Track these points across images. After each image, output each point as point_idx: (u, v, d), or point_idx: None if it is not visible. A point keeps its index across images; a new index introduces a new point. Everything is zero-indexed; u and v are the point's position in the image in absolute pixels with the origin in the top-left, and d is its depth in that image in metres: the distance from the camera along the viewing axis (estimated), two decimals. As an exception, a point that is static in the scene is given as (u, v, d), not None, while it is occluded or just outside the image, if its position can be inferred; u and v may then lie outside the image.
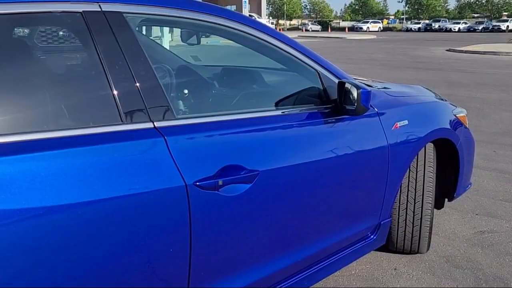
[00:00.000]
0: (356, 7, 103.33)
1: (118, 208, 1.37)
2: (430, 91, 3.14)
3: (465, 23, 61.66)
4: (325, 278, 2.30)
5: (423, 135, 2.50)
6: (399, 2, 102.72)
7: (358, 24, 64.85)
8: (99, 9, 1.49)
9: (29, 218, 1.20)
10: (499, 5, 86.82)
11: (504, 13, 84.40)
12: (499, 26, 54.44)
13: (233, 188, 1.64)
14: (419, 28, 61.09)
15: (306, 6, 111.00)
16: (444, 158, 2.82)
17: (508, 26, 54.19)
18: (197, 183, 1.53)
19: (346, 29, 58.68)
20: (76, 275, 1.30)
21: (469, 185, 3.11)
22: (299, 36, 38.72)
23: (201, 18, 1.77)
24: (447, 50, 21.74)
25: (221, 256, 1.69)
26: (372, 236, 2.41)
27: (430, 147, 2.62)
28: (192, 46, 2.72)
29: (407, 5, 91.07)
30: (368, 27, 60.80)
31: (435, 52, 21.08)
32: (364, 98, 1.97)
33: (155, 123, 1.51)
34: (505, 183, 3.98)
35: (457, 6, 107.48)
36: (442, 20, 65.40)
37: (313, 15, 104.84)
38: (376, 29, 61.26)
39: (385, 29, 64.54)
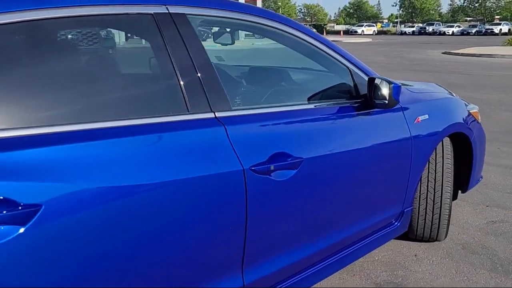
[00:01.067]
0: (351, 10, 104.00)
1: (187, 187, 1.52)
2: (443, 88, 3.31)
3: (459, 26, 62.29)
4: (353, 262, 2.46)
5: (441, 129, 2.67)
6: (393, 6, 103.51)
7: (353, 28, 65.40)
8: (167, 11, 1.65)
9: (121, 193, 1.35)
10: (492, 9, 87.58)
11: (497, 17, 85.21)
12: (492, 29, 55.04)
13: (282, 173, 1.80)
14: (413, 32, 61.66)
15: (301, 9, 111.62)
16: (458, 152, 2.99)
17: (501, 29, 54.80)
18: (252, 168, 1.69)
19: (341, 33, 59.07)
20: (156, 245, 1.46)
21: (480, 178, 3.29)
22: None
23: (250, 19, 1.94)
24: (443, 53, 22.03)
25: (270, 235, 1.85)
26: (396, 223, 2.58)
27: (447, 140, 2.79)
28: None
29: (401, 9, 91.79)
30: (362, 31, 61.33)
31: (431, 54, 21.37)
32: (395, 92, 2.14)
33: (215, 113, 1.68)
34: (511, 177, 4.16)
35: (450, 10, 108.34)
36: (436, 24, 66.04)
37: (308, 19, 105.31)
38: (371, 32, 61.80)
39: (380, 33, 65.06)
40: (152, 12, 1.62)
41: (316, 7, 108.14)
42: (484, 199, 3.67)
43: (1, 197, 1.15)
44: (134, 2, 1.60)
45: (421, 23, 78.20)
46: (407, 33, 61.60)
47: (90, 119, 1.41)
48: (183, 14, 1.69)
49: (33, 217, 1.19)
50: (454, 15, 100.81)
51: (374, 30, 64.52)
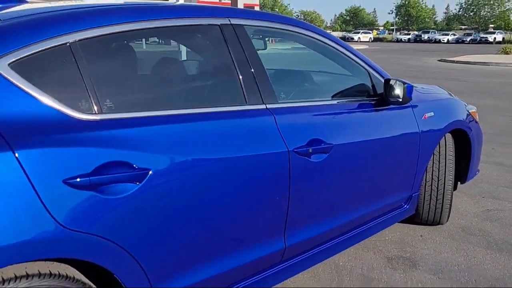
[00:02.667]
0: (347, 17, 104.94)
1: (246, 162, 1.91)
2: (445, 90, 3.72)
3: (454, 34, 63.12)
4: (367, 239, 2.85)
5: (444, 126, 3.07)
6: (389, 13, 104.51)
7: (349, 35, 66.07)
8: (229, 23, 2.05)
9: (201, 163, 1.74)
10: (486, 18, 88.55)
11: (491, 26, 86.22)
12: (487, 38, 55.92)
13: (317, 156, 2.18)
14: (409, 39, 62.44)
15: (298, 16, 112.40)
16: (459, 147, 3.38)
17: (495, 38, 55.65)
18: (295, 150, 2.08)
19: (338, 39, 59.47)
20: (224, 205, 1.84)
21: (477, 172, 3.69)
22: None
23: (291, 29, 2.34)
24: (439, 60, 22.56)
25: (306, 207, 2.23)
26: (405, 206, 2.97)
27: (449, 136, 3.19)
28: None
29: (397, 17, 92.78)
30: (359, 38, 62.03)
31: (428, 62, 21.89)
32: (409, 91, 2.54)
33: (266, 105, 2.06)
34: (504, 173, 4.58)
35: (445, 18, 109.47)
36: (431, 32, 66.89)
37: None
38: (367, 39, 62.50)
39: (376, 40, 65.80)
40: (219, 23, 2.01)
41: (313, 13, 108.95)
42: (480, 191, 4.07)
43: (125, 161, 1.53)
44: (205, 15, 2.00)
45: (416, 30, 79.13)
46: (403, 40, 62.41)
47: (181, 106, 1.81)
48: (241, 24, 2.09)
49: (145, 177, 1.57)
50: (449, 23, 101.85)
51: (370, 37, 65.30)
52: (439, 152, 3.12)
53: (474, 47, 42.55)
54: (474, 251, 2.98)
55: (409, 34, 66.38)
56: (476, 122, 3.50)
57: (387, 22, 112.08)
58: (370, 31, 74.17)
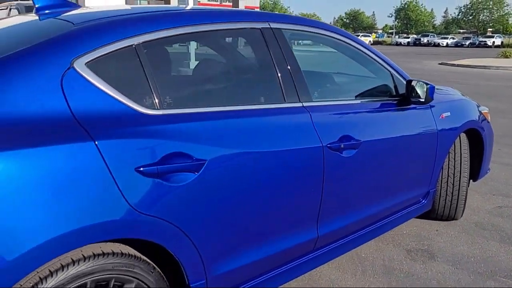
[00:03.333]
0: (347, 20, 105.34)
1: (286, 155, 2.06)
2: (458, 91, 3.88)
3: (453, 38, 63.53)
4: (386, 232, 3.00)
5: (459, 125, 3.22)
6: (389, 16, 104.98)
7: (349, 37, 66.14)
8: (269, 26, 2.20)
9: (249, 156, 1.89)
10: (485, 22, 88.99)
11: (489, 29, 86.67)
12: (486, 41, 56.28)
13: (348, 151, 2.33)
14: (408, 42, 62.72)
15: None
16: (471, 146, 3.53)
17: (494, 41, 56.02)
18: (328, 145, 2.23)
19: (338, 42, 59.73)
20: (268, 195, 1.99)
21: (488, 170, 3.84)
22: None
23: (323, 33, 2.50)
24: (439, 64, 22.77)
25: (336, 199, 2.38)
26: (423, 201, 3.13)
27: (463, 135, 3.35)
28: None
29: (397, 20, 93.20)
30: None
31: (428, 65, 22.09)
32: (431, 92, 2.70)
33: (303, 103, 2.22)
34: (512, 173, 4.75)
35: (443, 22, 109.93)
36: (431, 35, 67.22)
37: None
38: (366, 42, 62.65)
39: (375, 43, 66.01)
40: (260, 27, 2.17)
41: (313, 16, 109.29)
42: (491, 189, 4.23)
43: (185, 152, 1.68)
44: (248, 20, 2.16)
45: (415, 34, 79.51)
46: (403, 43, 62.71)
47: (229, 103, 1.96)
48: (279, 28, 2.24)
49: (202, 167, 1.72)
50: (447, 27, 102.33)
51: (370, 40, 65.50)
52: (455, 151, 3.28)
53: (473, 50, 42.83)
54: (488, 245, 3.13)
55: (408, 38, 66.71)
56: (488, 122, 3.66)
57: (386, 25, 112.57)
58: (370, 34, 74.52)
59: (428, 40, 61.61)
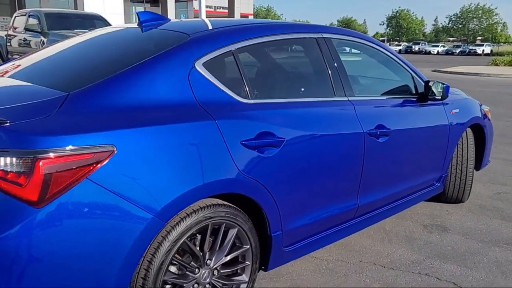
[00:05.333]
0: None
1: (337, 139, 2.60)
2: (461, 91, 4.45)
3: (443, 46, 64.73)
4: (403, 211, 3.55)
5: (466, 120, 3.79)
6: (380, 24, 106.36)
7: (342, 45, 67.17)
8: (322, 36, 2.76)
9: (313, 137, 2.44)
10: (475, 30, 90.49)
11: (478, 38, 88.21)
12: (475, 50, 57.50)
13: (382, 138, 2.88)
14: (400, 50, 63.69)
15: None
16: (475, 140, 4.10)
17: (483, 50, 57.26)
18: (367, 132, 2.78)
19: (331, 49, 60.67)
20: (325, 171, 2.54)
21: (489, 161, 4.42)
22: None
23: (359, 41, 3.06)
24: (432, 71, 23.49)
25: (371, 176, 2.92)
26: (436, 184, 3.69)
27: (469, 129, 3.91)
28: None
29: (389, 28, 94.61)
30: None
31: (422, 72, 22.65)
32: (447, 90, 3.27)
33: (348, 97, 2.77)
34: (508, 166, 5.34)
35: (433, 30, 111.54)
36: (422, 43, 68.36)
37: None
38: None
39: (368, 50, 66.90)
40: (315, 36, 2.73)
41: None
42: (490, 179, 4.81)
43: (271, 131, 2.22)
44: (306, 31, 2.71)
45: (406, 42, 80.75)
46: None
47: (296, 96, 2.51)
48: (329, 38, 2.80)
49: (282, 144, 2.25)
50: (437, 35, 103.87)
51: (362, 48, 66.49)
52: (462, 142, 3.85)
53: (464, 58, 43.88)
54: (491, 221, 3.70)
55: (400, 45, 67.86)
56: (489, 119, 4.24)
57: (377, 33, 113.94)
58: (362, 42, 75.51)
59: (419, 48, 62.79)
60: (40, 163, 1.58)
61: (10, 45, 11.19)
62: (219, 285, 2.16)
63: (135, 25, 2.75)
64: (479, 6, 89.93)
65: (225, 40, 2.27)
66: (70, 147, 1.63)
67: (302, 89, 2.72)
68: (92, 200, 1.67)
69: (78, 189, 1.64)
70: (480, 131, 4.07)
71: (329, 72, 2.72)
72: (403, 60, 3.37)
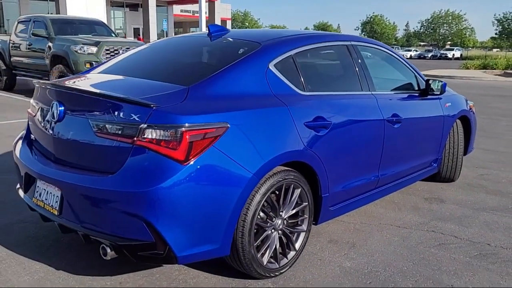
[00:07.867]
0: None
1: (366, 124, 3.34)
2: (450, 88, 5.26)
3: (416, 50, 66.72)
4: (405, 188, 4.33)
5: (457, 112, 4.60)
6: (355, 30, 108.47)
7: (318, 49, 68.47)
8: (350, 43, 3.51)
9: (364, 122, 3.17)
10: (445, 35, 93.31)
11: (448, 43, 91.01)
12: (446, 54, 59.65)
13: (396, 124, 3.64)
14: (374, 54, 65.37)
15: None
16: (463, 129, 4.90)
17: (454, 54, 59.46)
18: (386, 119, 3.53)
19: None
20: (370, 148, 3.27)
21: (473, 149, 5.24)
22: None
23: (376, 47, 3.83)
24: (409, 74, 24.63)
25: (388, 155, 3.67)
26: (434, 164, 4.48)
27: (458, 120, 4.72)
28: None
29: (363, 33, 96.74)
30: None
31: (399, 75, 23.88)
32: (444, 86, 4.06)
33: (371, 92, 3.51)
34: (488, 154, 6.22)
35: (405, 35, 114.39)
36: (395, 47, 70.24)
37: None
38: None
39: (343, 55, 68.40)
40: (346, 44, 3.47)
41: (283, 28, 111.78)
42: (474, 164, 5.66)
43: (322, 116, 2.94)
44: (340, 40, 3.45)
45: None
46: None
47: (337, 90, 3.27)
48: (356, 45, 3.55)
49: (330, 126, 2.97)
50: (408, 40, 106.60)
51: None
52: (453, 131, 4.65)
53: (435, 62, 45.60)
54: (478, 195, 4.51)
55: (374, 50, 69.59)
56: (473, 112, 5.07)
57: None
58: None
59: (393, 52, 64.51)
60: (187, 135, 2.26)
61: (14, 50, 11.61)
62: (287, 231, 2.86)
63: (205, 34, 3.44)
64: (449, 12, 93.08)
65: (287, 47, 2.99)
66: (203, 123, 2.32)
67: (340, 84, 3.45)
68: (216, 160, 2.35)
69: (207, 153, 2.32)
70: (467, 122, 4.89)
71: (357, 71, 3.46)
72: (408, 62, 4.15)
